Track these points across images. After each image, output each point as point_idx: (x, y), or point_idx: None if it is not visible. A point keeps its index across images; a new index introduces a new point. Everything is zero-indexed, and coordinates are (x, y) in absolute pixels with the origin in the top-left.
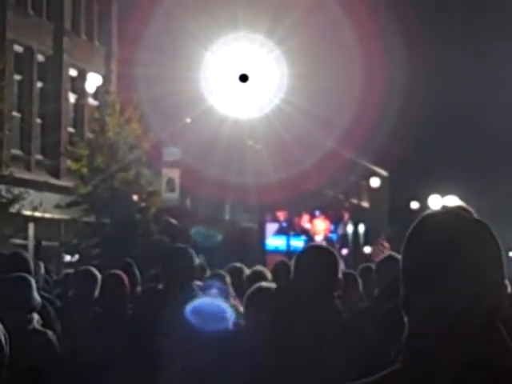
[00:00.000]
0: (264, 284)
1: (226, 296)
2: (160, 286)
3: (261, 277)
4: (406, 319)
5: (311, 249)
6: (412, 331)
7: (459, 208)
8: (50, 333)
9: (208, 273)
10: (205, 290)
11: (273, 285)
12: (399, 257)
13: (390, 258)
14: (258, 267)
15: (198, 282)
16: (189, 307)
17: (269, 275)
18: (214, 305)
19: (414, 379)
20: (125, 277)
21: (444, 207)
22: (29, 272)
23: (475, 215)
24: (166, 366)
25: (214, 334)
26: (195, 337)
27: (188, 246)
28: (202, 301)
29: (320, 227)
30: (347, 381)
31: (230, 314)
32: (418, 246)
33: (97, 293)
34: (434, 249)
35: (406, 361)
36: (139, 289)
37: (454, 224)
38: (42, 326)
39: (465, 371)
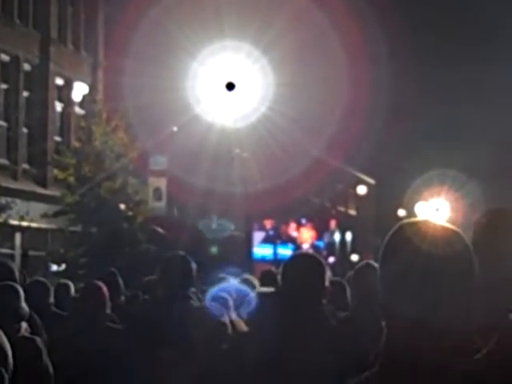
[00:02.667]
0: (263, 289)
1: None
2: (146, 296)
3: (249, 285)
4: (384, 325)
5: (298, 256)
6: (392, 337)
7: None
8: (38, 339)
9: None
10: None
11: (271, 289)
12: (376, 265)
13: (368, 265)
14: (246, 275)
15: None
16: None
17: (256, 283)
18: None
19: (391, 382)
20: (103, 286)
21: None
22: (14, 281)
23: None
24: (165, 375)
25: (215, 342)
26: (196, 345)
27: (186, 254)
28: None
29: (306, 236)
30: None
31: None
32: (400, 256)
33: (51, 300)
34: (417, 259)
35: (384, 365)
36: (123, 298)
37: (435, 233)
38: (30, 334)
39: (439, 377)
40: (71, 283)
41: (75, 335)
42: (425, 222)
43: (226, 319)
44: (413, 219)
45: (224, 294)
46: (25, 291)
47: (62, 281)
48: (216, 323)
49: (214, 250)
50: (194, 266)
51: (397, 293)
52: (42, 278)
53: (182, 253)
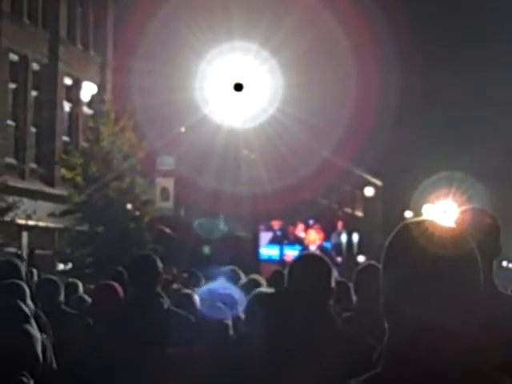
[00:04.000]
0: (263, 290)
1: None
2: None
3: (256, 285)
4: (388, 325)
5: (305, 257)
6: (395, 338)
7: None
8: (44, 336)
9: (202, 281)
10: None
11: (271, 290)
12: (379, 266)
13: (370, 266)
14: (254, 275)
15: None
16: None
17: (264, 283)
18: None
19: (394, 383)
20: (119, 288)
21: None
22: (20, 279)
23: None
24: (162, 375)
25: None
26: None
27: (152, 253)
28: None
29: (313, 237)
30: None
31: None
32: (406, 257)
33: (62, 298)
34: (424, 260)
35: (387, 365)
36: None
37: (441, 234)
38: None
39: (444, 378)
40: (80, 282)
41: (86, 334)
42: (429, 222)
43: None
44: (416, 219)
45: (228, 292)
46: (35, 289)
47: (71, 280)
48: (185, 323)
49: (206, 250)
50: (160, 264)
51: (402, 294)
52: (52, 276)
53: (148, 252)
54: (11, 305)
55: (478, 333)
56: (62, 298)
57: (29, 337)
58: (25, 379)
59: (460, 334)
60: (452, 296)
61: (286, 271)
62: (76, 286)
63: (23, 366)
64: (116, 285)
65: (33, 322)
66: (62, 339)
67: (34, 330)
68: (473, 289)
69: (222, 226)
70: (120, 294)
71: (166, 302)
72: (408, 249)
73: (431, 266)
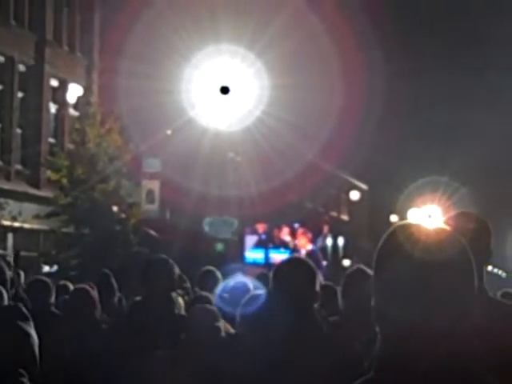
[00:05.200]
0: (257, 292)
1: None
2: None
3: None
4: (379, 330)
5: (289, 260)
6: (387, 343)
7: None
8: None
9: (188, 283)
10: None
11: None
12: (368, 270)
13: (359, 270)
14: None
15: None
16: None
17: (252, 286)
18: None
19: None
20: (90, 290)
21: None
22: (4, 281)
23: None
24: (152, 378)
25: (202, 344)
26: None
27: (167, 257)
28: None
29: (302, 242)
30: None
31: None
32: (394, 261)
33: (52, 300)
34: (412, 264)
35: (379, 370)
36: (116, 299)
37: (430, 237)
38: None
39: (438, 381)
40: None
41: (68, 337)
42: (419, 226)
43: (219, 323)
44: (407, 222)
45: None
46: (26, 290)
47: (62, 282)
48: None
49: (219, 247)
50: (176, 269)
51: (392, 298)
52: (44, 278)
53: (164, 256)
54: (11, 305)
55: (469, 337)
56: (52, 299)
57: (27, 337)
58: (24, 379)
59: (451, 338)
60: (441, 299)
61: (270, 274)
62: (67, 289)
63: (22, 366)
64: (89, 288)
65: (31, 323)
66: (51, 341)
67: (32, 330)
68: (465, 292)
69: (233, 225)
70: (94, 296)
71: (177, 309)
72: (398, 252)
73: (419, 270)
